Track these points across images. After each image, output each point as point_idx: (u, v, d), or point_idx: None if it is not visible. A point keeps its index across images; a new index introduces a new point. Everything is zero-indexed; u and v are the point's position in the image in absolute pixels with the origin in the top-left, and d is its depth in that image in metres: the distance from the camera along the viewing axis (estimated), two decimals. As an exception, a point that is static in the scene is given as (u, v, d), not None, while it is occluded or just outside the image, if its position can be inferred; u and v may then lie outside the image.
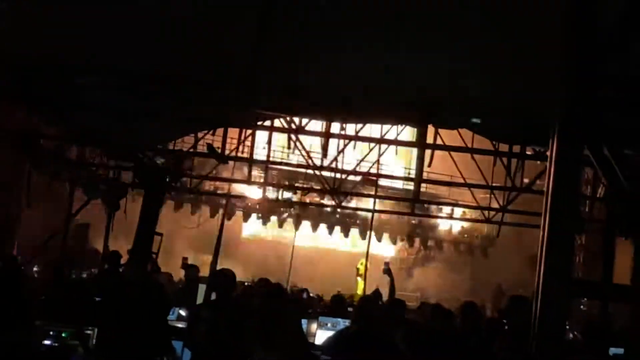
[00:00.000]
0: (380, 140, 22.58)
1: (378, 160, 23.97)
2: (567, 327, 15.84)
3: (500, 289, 33.65)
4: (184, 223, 34.62)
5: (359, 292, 30.60)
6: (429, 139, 20.60)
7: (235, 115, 15.26)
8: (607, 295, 8.79)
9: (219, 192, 30.66)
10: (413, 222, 36.66)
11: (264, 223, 35.84)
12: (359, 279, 34.08)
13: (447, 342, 10.14)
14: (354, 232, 36.28)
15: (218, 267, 12.52)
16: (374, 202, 28.08)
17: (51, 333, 10.06)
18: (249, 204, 34.24)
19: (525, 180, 22.42)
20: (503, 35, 9.37)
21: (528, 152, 19.92)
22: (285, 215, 34.91)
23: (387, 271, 12.43)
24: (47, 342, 9.97)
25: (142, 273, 9.96)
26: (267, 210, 34.52)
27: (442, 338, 10.27)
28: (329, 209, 33.53)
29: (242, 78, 10.94)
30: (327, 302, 19.36)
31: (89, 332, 9.88)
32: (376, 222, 35.39)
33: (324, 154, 22.10)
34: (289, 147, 23.27)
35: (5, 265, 9.22)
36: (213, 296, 10.48)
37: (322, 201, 32.50)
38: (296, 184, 30.31)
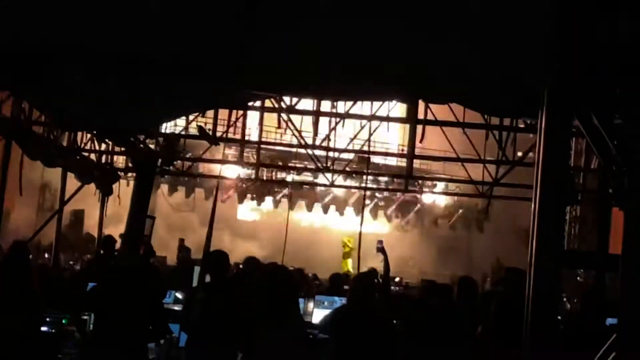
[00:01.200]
0: (371, 117, 22.55)
1: (369, 138, 23.87)
2: (565, 298, 15.94)
3: (499, 263, 33.73)
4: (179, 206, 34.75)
5: (350, 269, 30.76)
6: (421, 115, 20.61)
7: (225, 96, 15.21)
8: (601, 265, 8.82)
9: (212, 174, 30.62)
10: (407, 199, 36.78)
11: (259, 204, 35.88)
12: (347, 258, 34.31)
13: (441, 317, 10.20)
14: (349, 210, 36.37)
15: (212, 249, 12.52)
16: (366, 180, 28.10)
17: (48, 319, 10.10)
18: (244, 186, 34.31)
19: (519, 154, 22.45)
20: (491, 6, 9.34)
21: (520, 126, 19.95)
22: (280, 195, 34.98)
23: (381, 249, 12.41)
24: (44, 328, 10.01)
25: (135, 257, 9.96)
26: (261, 191, 34.60)
27: (436, 313, 10.33)
28: (322, 188, 33.53)
29: (230, 58, 10.90)
30: (323, 281, 19.42)
31: (85, 317, 9.91)
32: (370, 199, 35.50)
33: (315, 132, 22.09)
34: (279, 127, 23.18)
35: (15, 251, 9.18)
36: (207, 278, 10.49)
37: (315, 180, 32.49)
38: (289, 164, 30.37)
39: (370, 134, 23.41)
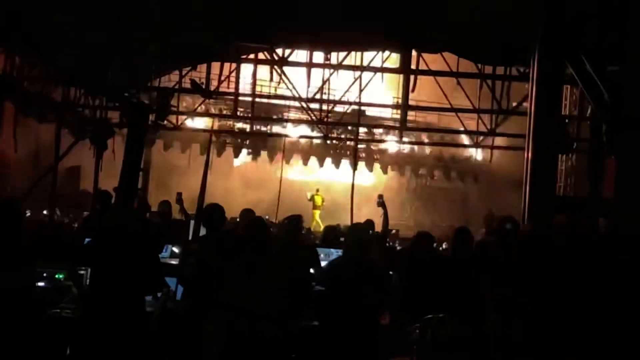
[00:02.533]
0: (365, 68, 22.49)
1: (361, 89, 23.80)
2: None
3: (492, 214, 33.65)
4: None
5: (318, 221, 30.84)
6: (414, 66, 20.54)
7: (217, 49, 15.16)
8: (593, 210, 8.84)
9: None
10: (404, 151, 36.66)
11: (254, 158, 35.75)
12: (315, 209, 34.38)
13: (434, 266, 10.24)
14: (345, 163, 36.23)
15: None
16: (357, 131, 28.05)
17: (45, 275, 10.11)
18: (239, 140, 34.16)
19: (513, 104, 22.41)
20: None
21: (514, 74, 19.90)
22: (275, 149, 34.83)
23: (381, 204, 12.44)
24: (41, 283, 10.02)
25: (128, 210, 9.96)
26: (256, 145, 34.46)
27: (430, 263, 10.37)
28: (318, 141, 33.44)
29: (221, 10, 10.84)
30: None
31: (82, 272, 9.92)
32: (366, 152, 35.40)
33: (308, 83, 22.02)
34: (271, 79, 23.08)
35: (3, 209, 9.17)
36: (202, 231, 10.52)
37: (310, 133, 32.42)
38: (283, 117, 30.33)
39: (362, 88, 23.34)
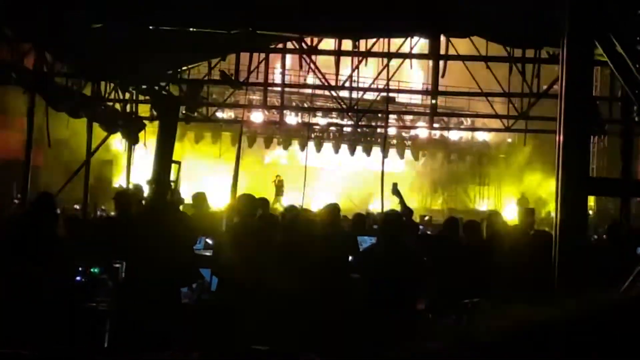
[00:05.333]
0: (393, 55, 22.40)
1: (390, 77, 23.68)
2: (595, 233, 15.91)
3: (524, 199, 33.69)
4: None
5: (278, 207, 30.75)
6: (443, 52, 20.40)
7: (245, 40, 15.15)
8: (626, 192, 8.79)
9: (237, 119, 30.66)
10: (435, 137, 36.66)
11: (285, 148, 35.83)
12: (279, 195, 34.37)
13: (467, 251, 10.24)
14: (376, 150, 36.22)
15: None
16: (387, 118, 28.01)
17: (80, 269, 10.19)
18: (270, 130, 34.29)
19: (544, 87, 22.24)
20: None
21: (544, 57, 19.74)
22: (306, 138, 34.89)
23: (396, 192, 12.39)
24: (77, 278, 10.09)
25: (162, 203, 9.99)
26: (287, 135, 34.55)
27: (463, 248, 10.38)
28: (348, 129, 33.44)
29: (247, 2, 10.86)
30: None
31: (117, 265, 9.99)
32: (397, 138, 35.38)
33: (337, 71, 21.98)
34: (300, 68, 23.01)
35: (40, 201, 9.27)
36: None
37: (340, 121, 32.43)
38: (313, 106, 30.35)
39: (391, 74, 23.26)
